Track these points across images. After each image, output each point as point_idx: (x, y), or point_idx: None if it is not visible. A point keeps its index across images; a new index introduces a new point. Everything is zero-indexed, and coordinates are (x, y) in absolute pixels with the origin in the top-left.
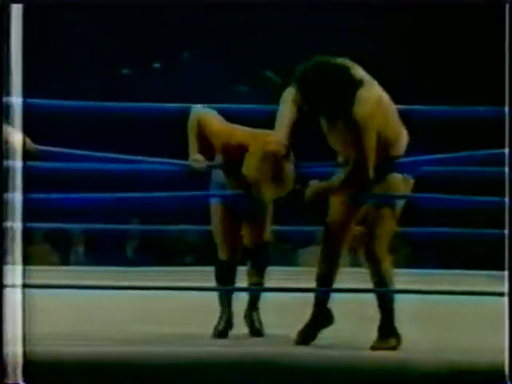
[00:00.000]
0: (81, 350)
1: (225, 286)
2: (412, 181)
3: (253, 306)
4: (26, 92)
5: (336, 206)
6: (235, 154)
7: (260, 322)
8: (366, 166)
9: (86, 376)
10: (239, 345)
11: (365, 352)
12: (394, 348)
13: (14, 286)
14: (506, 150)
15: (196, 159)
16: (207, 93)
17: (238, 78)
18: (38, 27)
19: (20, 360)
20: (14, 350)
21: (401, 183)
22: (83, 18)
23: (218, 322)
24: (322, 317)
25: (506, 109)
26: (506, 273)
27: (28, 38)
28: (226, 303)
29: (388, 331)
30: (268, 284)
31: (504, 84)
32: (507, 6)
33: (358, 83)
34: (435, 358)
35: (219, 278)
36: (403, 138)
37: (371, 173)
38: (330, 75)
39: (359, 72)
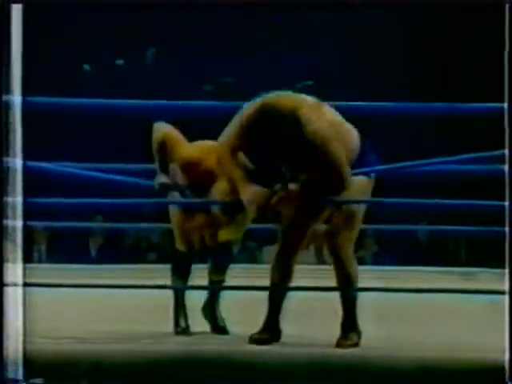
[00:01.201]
0: (81, 348)
1: (180, 278)
2: (373, 180)
3: (214, 303)
4: (26, 91)
5: (297, 210)
6: (203, 179)
7: (223, 320)
8: (343, 176)
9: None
10: (205, 343)
11: (329, 349)
12: (356, 344)
13: (14, 284)
14: (506, 148)
15: (161, 183)
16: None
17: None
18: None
19: (20, 357)
20: (15, 347)
21: (365, 184)
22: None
23: (179, 320)
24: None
25: (506, 105)
26: (507, 271)
27: (28, 37)
28: (181, 300)
29: (351, 328)
30: (232, 282)
31: (504, 84)
32: (507, 5)
33: (301, 110)
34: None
35: (175, 269)
36: (357, 144)
37: (348, 180)
38: (273, 117)
39: (301, 101)
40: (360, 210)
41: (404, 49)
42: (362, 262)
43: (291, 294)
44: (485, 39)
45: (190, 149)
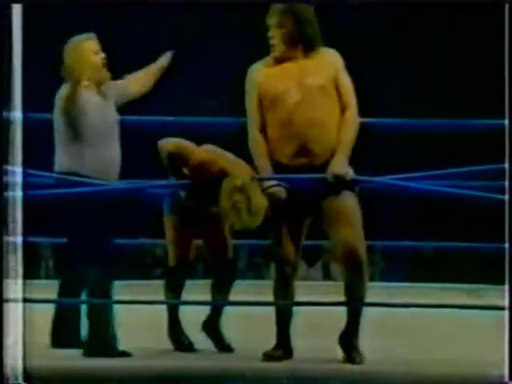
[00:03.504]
0: (79, 364)
1: (173, 292)
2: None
3: (217, 320)
4: (26, 90)
5: (283, 218)
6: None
7: (226, 337)
8: None
9: None
10: (212, 359)
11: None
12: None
13: (14, 300)
14: (506, 164)
15: (186, 194)
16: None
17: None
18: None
19: (20, 373)
20: (15, 363)
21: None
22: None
23: (179, 336)
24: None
25: (506, 121)
26: (507, 287)
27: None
28: (176, 316)
29: (355, 343)
30: (239, 298)
31: (504, 84)
32: (507, 5)
33: None
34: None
35: (168, 284)
36: None
37: None
38: None
39: None
40: (350, 206)
41: (402, 49)
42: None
43: (301, 310)
44: (484, 39)
45: (202, 152)
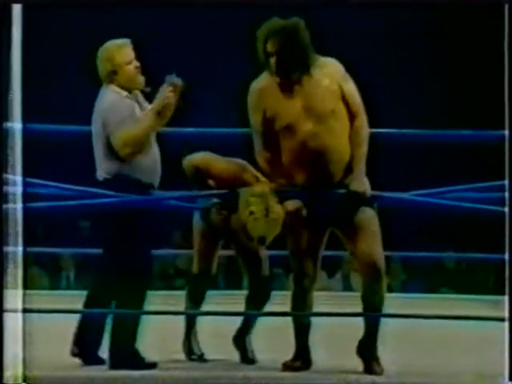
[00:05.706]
0: (78, 374)
1: (194, 302)
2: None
3: (244, 334)
4: (26, 90)
5: (302, 233)
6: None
7: (252, 349)
8: None
9: None
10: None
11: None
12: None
13: (14, 310)
14: (506, 177)
15: (214, 203)
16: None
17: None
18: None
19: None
20: (15, 374)
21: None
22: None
23: (192, 346)
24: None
25: (506, 132)
26: (507, 298)
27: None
28: (194, 326)
29: (374, 355)
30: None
31: (503, 83)
32: (507, 6)
33: None
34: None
35: (190, 293)
36: None
37: None
38: None
39: None
40: (369, 219)
41: (401, 49)
42: (389, 289)
43: (320, 321)
44: (484, 39)
45: (226, 164)
